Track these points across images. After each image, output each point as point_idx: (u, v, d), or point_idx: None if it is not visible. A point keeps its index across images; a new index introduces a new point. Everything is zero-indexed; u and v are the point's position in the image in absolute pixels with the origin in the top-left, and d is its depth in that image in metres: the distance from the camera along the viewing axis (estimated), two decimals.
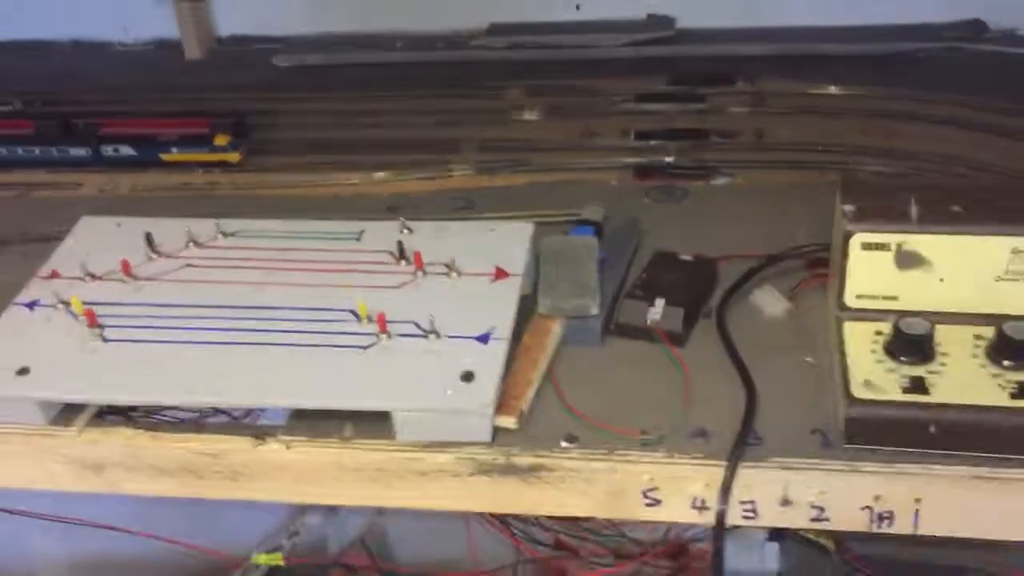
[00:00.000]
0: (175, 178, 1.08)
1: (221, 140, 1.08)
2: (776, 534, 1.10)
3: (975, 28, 1.30)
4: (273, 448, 0.71)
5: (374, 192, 1.04)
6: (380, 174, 1.06)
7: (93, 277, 0.82)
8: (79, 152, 1.10)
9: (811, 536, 0.99)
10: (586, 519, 1.04)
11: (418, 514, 1.37)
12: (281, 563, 0.94)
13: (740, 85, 1.21)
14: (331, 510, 1.55)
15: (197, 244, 0.85)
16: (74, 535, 1.38)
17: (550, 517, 1.04)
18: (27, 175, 1.10)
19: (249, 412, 0.76)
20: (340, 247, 0.84)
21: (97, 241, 0.87)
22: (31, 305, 0.80)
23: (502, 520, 1.04)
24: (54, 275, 0.83)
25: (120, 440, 0.72)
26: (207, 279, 0.81)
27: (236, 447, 0.71)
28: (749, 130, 1.10)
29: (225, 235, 0.86)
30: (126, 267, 0.81)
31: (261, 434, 0.71)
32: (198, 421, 0.74)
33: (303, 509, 1.51)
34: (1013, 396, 0.64)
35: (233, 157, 1.09)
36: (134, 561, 1.50)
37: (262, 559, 0.88)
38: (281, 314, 0.77)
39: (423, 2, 1.40)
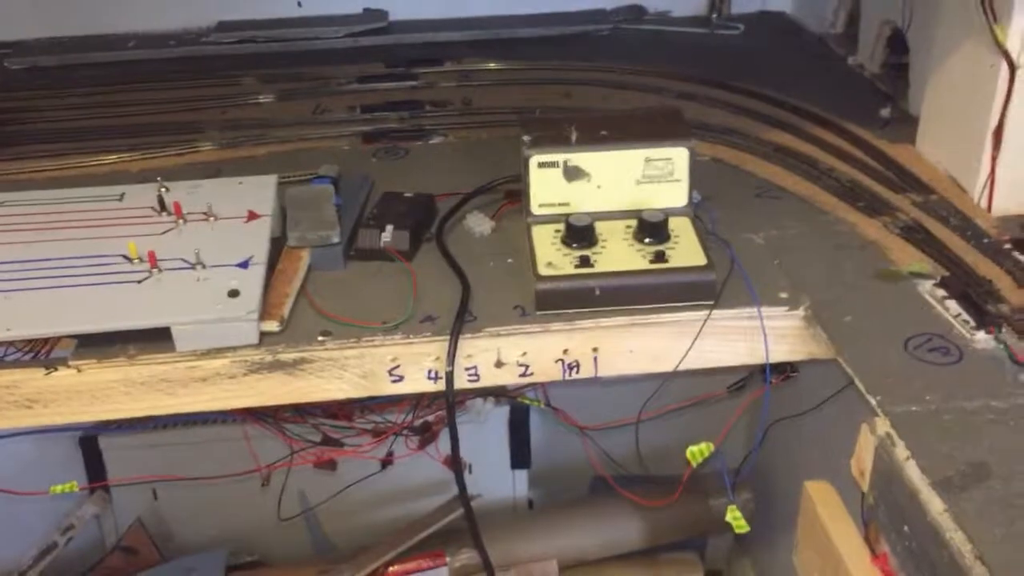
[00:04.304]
0: None
1: None
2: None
3: (636, 11, 1.58)
4: (64, 373, 0.81)
5: (125, 169, 1.14)
6: (131, 153, 1.16)
7: None
8: None
9: (525, 400, 1.21)
10: (348, 415, 1.19)
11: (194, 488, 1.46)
12: (76, 489, 1.01)
13: (448, 65, 1.41)
14: (104, 499, 1.60)
15: None
16: None
17: (316, 416, 1.18)
18: None
19: (37, 354, 0.85)
20: (104, 207, 0.95)
21: None
22: None
23: (276, 425, 1.17)
24: None
25: None
26: None
27: (28, 377, 0.81)
28: (458, 99, 1.30)
29: None
30: None
31: (52, 363, 0.81)
32: None
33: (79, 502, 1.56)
34: (652, 262, 0.86)
35: None
36: None
37: (58, 489, 0.96)
38: (58, 263, 0.87)
39: (152, 3, 1.49)
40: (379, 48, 1.47)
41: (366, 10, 1.53)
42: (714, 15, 1.54)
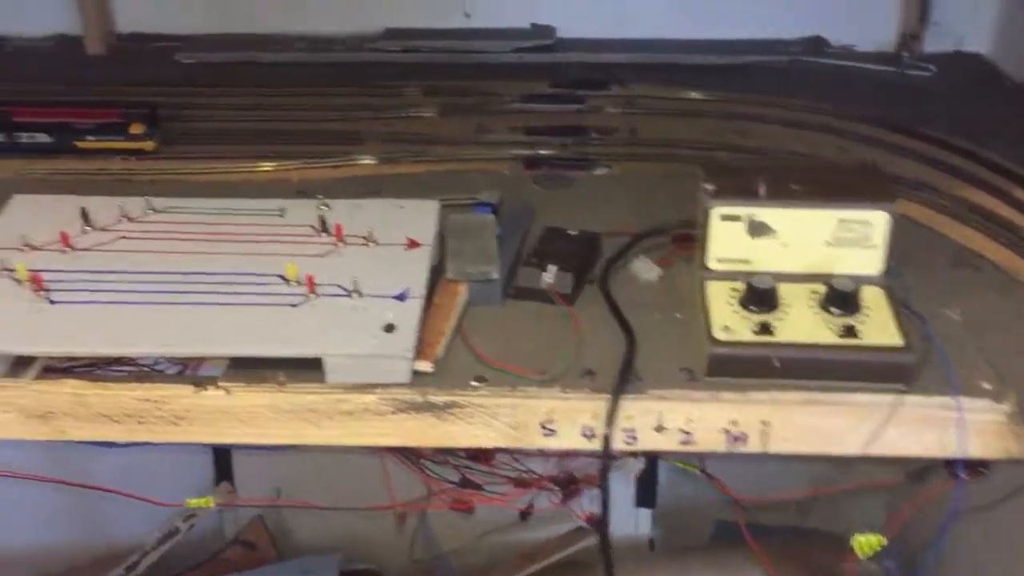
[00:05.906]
0: (91, 165, 1.14)
1: (136, 128, 1.15)
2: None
3: (817, 43, 1.49)
4: (213, 394, 0.79)
5: (284, 178, 1.13)
6: (291, 161, 1.14)
7: (32, 248, 0.88)
8: None
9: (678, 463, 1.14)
10: (489, 458, 1.15)
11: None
12: (211, 505, 1.01)
13: (614, 89, 1.35)
14: (229, 491, 1.62)
15: (130, 219, 0.93)
16: None
17: (457, 456, 1.15)
18: None
19: (186, 368, 0.83)
20: (265, 221, 0.93)
21: (31, 217, 0.93)
22: None
23: (415, 462, 1.14)
24: None
25: (68, 389, 0.79)
26: (142, 249, 0.89)
27: (178, 393, 0.79)
28: (624, 128, 1.25)
29: (155, 211, 0.94)
30: (65, 238, 0.88)
31: (202, 382, 0.79)
32: (140, 375, 0.81)
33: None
34: (840, 336, 0.78)
35: (148, 145, 1.15)
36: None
37: (193, 503, 0.95)
38: (215, 278, 0.85)
39: (320, 5, 1.49)
40: (543, 65, 1.43)
41: (534, 25, 1.48)
42: (904, 54, 1.43)
